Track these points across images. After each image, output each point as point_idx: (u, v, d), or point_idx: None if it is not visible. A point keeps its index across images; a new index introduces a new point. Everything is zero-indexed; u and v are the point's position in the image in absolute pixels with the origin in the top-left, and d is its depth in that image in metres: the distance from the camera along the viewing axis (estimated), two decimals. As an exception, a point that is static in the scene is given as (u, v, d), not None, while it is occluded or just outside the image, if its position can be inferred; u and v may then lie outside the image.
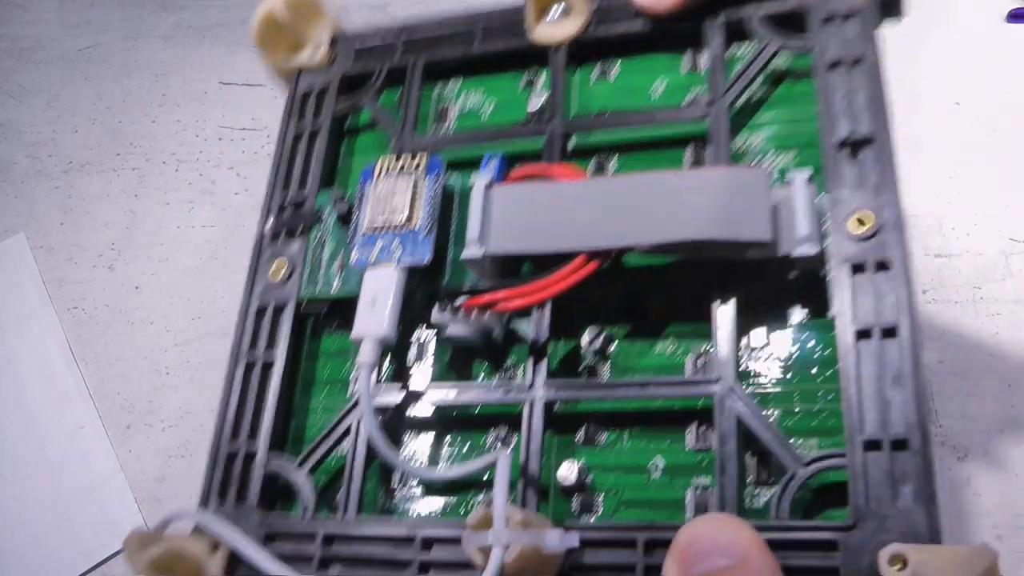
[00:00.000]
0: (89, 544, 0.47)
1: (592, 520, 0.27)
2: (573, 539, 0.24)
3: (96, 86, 0.67)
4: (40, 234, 0.59)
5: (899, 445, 0.24)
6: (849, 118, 0.27)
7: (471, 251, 0.27)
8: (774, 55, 0.28)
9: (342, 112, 0.33)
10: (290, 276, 0.32)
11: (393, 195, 0.29)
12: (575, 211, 0.27)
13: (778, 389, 0.26)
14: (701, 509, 0.26)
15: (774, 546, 0.22)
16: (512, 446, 0.28)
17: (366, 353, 0.27)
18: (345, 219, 0.31)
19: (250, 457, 0.31)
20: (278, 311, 0.32)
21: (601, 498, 0.27)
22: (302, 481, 0.29)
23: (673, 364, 0.28)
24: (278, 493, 0.30)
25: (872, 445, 0.24)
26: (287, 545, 0.28)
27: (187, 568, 0.27)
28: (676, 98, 0.30)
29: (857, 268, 0.26)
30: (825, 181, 0.27)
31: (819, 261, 0.26)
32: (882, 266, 0.25)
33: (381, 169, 0.30)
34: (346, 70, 0.34)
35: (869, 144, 0.27)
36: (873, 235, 0.26)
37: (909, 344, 0.24)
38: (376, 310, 0.28)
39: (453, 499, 0.29)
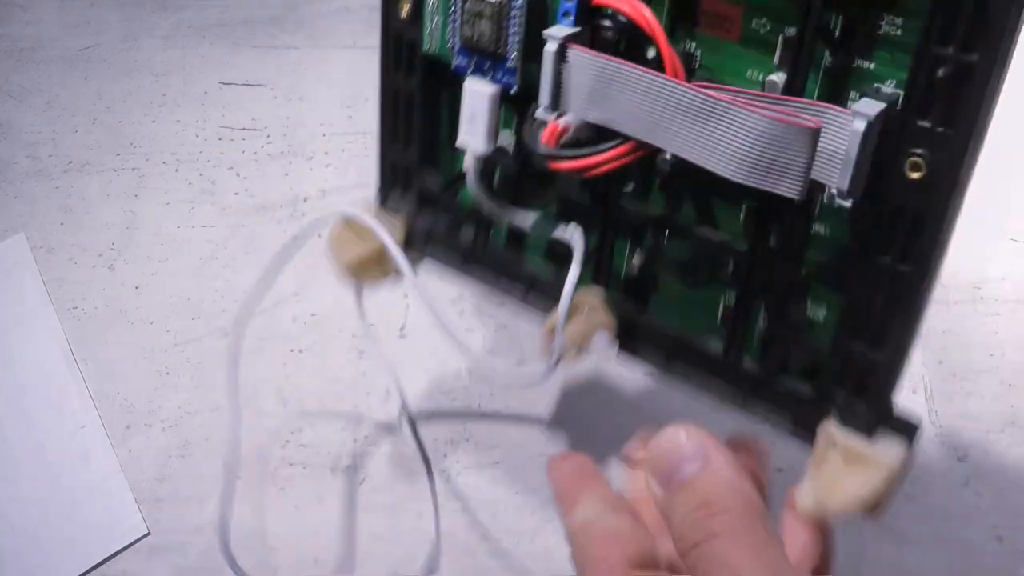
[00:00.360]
0: (89, 544, 0.47)
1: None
2: (614, 348, 0.32)
3: (96, 86, 0.67)
4: (40, 234, 0.59)
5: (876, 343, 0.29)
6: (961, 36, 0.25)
7: (545, 116, 0.30)
8: None
9: None
10: (416, 17, 0.34)
11: (481, 15, 0.31)
12: (641, 101, 0.28)
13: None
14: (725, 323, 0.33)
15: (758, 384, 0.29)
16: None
17: (469, 162, 0.33)
18: None
19: (408, 167, 0.38)
20: (412, 45, 0.35)
21: (653, 292, 0.35)
22: (446, 202, 0.38)
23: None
24: (431, 203, 0.38)
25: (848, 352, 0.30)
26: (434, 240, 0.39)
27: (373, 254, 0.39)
28: None
29: (898, 213, 0.28)
30: (902, 99, 0.26)
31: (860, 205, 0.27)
32: (918, 218, 0.29)
33: None
34: None
35: (969, 76, 0.26)
36: (924, 186, 0.27)
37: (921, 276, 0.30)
38: (475, 126, 0.32)
39: (558, 262, 0.36)
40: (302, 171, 0.60)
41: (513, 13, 0.30)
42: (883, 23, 0.26)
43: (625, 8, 0.29)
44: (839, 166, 0.26)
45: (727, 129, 0.26)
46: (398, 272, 0.38)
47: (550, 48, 0.29)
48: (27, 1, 0.72)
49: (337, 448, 0.49)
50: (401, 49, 0.36)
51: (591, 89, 0.29)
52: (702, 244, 0.32)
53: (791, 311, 0.31)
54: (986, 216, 0.57)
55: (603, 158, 0.29)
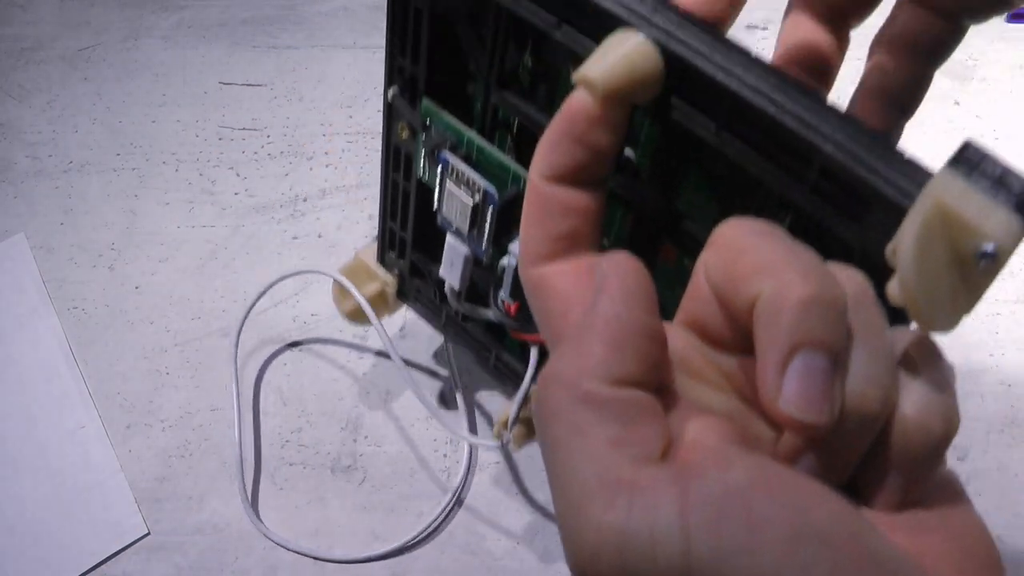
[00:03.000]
0: (89, 544, 0.47)
1: None
2: None
3: (96, 86, 0.67)
4: (40, 234, 0.59)
5: None
6: None
7: (505, 298, 0.36)
8: None
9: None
10: (413, 135, 0.38)
11: (460, 206, 0.35)
12: None
13: None
14: None
15: None
16: None
17: (449, 296, 0.39)
18: (432, 152, 0.36)
19: (403, 240, 0.42)
20: (409, 158, 0.39)
21: None
22: (431, 279, 0.42)
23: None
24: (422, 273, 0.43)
25: None
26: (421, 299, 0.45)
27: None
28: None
29: None
30: None
31: None
32: None
33: (450, 171, 0.35)
34: None
35: None
36: None
37: None
38: (453, 270, 0.38)
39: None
40: (302, 171, 0.60)
41: (487, 214, 0.34)
42: None
43: None
44: None
45: None
46: (387, 310, 0.45)
47: (511, 263, 0.34)
48: (27, 1, 0.72)
49: (337, 448, 0.49)
50: (400, 157, 0.39)
51: None
52: None
53: None
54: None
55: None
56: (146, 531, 0.47)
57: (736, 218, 0.22)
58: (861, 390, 0.19)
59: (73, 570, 0.46)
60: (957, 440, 0.53)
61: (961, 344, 0.52)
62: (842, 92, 0.29)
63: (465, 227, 0.36)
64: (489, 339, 0.43)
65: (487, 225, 0.35)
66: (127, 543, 0.47)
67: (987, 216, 0.19)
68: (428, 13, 0.33)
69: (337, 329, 0.53)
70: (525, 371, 0.39)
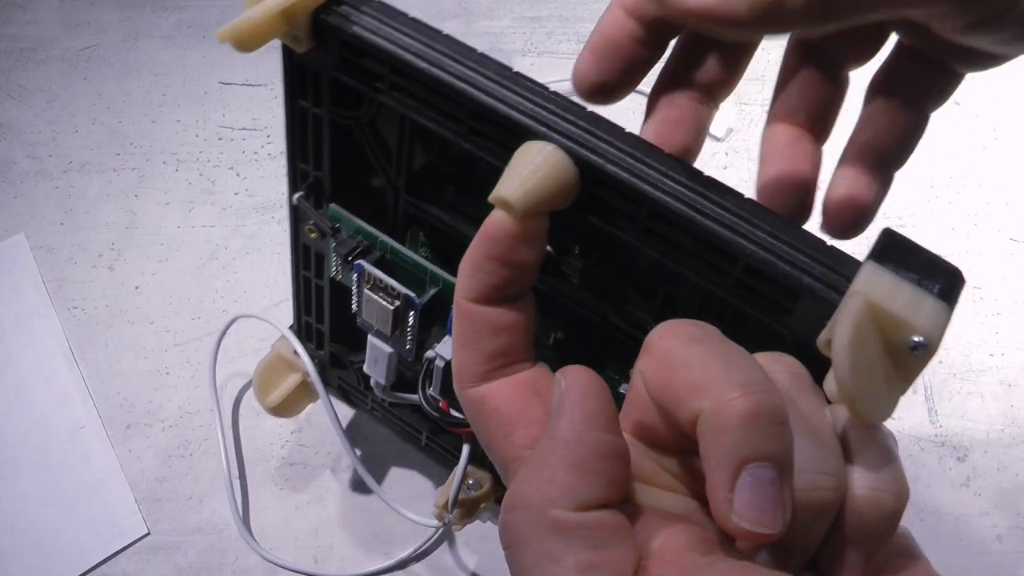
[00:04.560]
0: (89, 544, 0.47)
1: None
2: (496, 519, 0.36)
3: (96, 86, 0.67)
4: (40, 234, 0.59)
5: None
6: None
7: (435, 395, 0.35)
8: None
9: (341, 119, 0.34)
10: (323, 236, 0.36)
11: (381, 311, 0.34)
12: None
13: None
14: None
15: None
16: None
17: (375, 388, 0.39)
18: (346, 258, 0.35)
19: (320, 333, 0.41)
20: (320, 256, 0.38)
21: None
22: (353, 369, 0.42)
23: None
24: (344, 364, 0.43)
25: None
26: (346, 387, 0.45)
27: (298, 389, 0.45)
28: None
29: None
30: None
31: None
32: None
33: (367, 279, 0.34)
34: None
35: None
36: None
37: None
38: (378, 368, 0.37)
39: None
40: (302, 171, 0.60)
41: (409, 318, 0.34)
42: None
43: None
44: None
45: None
46: (312, 397, 0.45)
47: (439, 364, 0.33)
48: (27, 1, 0.72)
49: (337, 448, 0.49)
50: (310, 255, 0.38)
51: None
52: None
53: None
54: (986, 216, 0.57)
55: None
56: (146, 531, 0.47)
57: (669, 324, 0.22)
58: (812, 483, 0.19)
59: (73, 570, 0.46)
60: (957, 440, 0.53)
61: (961, 344, 0.52)
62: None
63: (388, 330, 0.35)
64: (417, 421, 0.42)
65: (410, 328, 0.34)
66: (127, 543, 0.47)
67: (916, 308, 0.20)
68: (328, 120, 0.32)
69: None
70: (459, 449, 0.39)
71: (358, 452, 0.42)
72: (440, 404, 0.35)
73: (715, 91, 0.27)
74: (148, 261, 0.57)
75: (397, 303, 0.34)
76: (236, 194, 0.60)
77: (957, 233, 0.56)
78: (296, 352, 0.42)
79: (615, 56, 0.26)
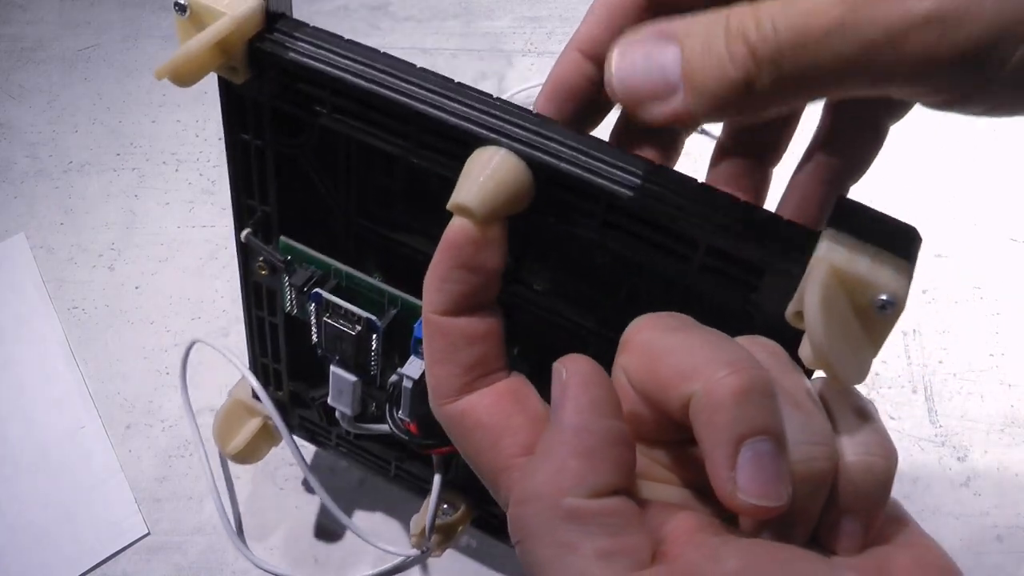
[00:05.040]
0: (89, 544, 0.47)
1: None
2: (472, 543, 0.41)
3: (96, 86, 0.67)
4: (40, 234, 0.59)
5: None
6: None
7: (404, 417, 0.34)
8: None
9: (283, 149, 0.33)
10: (273, 271, 0.35)
11: (342, 337, 0.34)
12: None
13: None
14: None
15: None
16: None
17: (340, 418, 0.38)
18: (302, 289, 0.34)
19: (278, 372, 0.41)
20: (272, 294, 0.37)
21: None
22: (315, 406, 0.41)
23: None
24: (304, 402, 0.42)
25: None
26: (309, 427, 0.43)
27: (259, 435, 0.45)
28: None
29: None
30: None
31: None
32: None
33: (325, 307, 0.34)
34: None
35: None
36: None
37: None
38: (342, 399, 0.37)
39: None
40: (302, 171, 0.60)
41: (371, 342, 0.34)
42: None
43: None
44: None
45: None
46: (275, 441, 0.44)
47: (407, 385, 0.33)
48: (27, 1, 0.72)
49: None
50: (261, 294, 0.38)
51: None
52: None
53: None
54: (986, 216, 0.57)
55: (451, 449, 0.33)
56: (146, 531, 0.47)
57: (645, 318, 0.22)
58: (807, 454, 0.20)
59: (73, 570, 0.46)
60: (957, 440, 0.53)
61: (961, 344, 0.52)
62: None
63: (351, 358, 0.35)
64: (385, 451, 0.42)
65: (373, 352, 0.34)
66: (127, 543, 0.47)
67: (879, 269, 0.21)
68: (272, 152, 0.32)
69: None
70: (430, 476, 0.38)
71: (327, 488, 0.42)
72: (409, 427, 0.35)
73: (767, 157, 0.27)
74: (148, 261, 0.57)
75: (359, 328, 0.34)
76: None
77: (957, 233, 0.56)
78: (255, 395, 0.41)
79: (570, 98, 0.27)
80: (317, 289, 0.33)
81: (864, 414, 0.21)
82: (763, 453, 0.19)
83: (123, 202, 0.60)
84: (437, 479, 0.38)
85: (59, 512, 0.48)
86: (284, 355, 0.39)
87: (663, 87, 0.20)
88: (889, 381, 0.51)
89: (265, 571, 0.45)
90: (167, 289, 0.56)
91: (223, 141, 0.33)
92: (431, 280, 0.23)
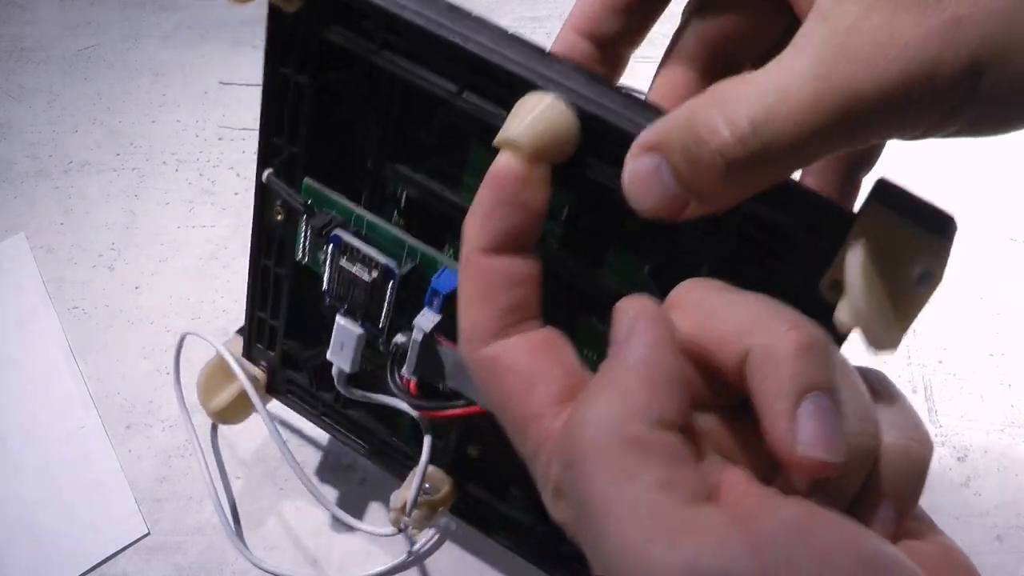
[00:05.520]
0: (89, 544, 0.47)
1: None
2: (452, 525, 0.41)
3: (96, 86, 0.67)
4: (40, 234, 0.59)
5: None
6: None
7: (407, 375, 0.34)
8: None
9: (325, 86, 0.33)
10: (288, 217, 0.35)
11: (355, 283, 0.34)
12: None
13: None
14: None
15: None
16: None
17: (337, 377, 0.37)
18: (321, 232, 0.34)
19: (273, 330, 0.40)
20: (283, 242, 0.37)
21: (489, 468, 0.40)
22: (310, 367, 0.41)
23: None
24: (295, 363, 0.41)
25: None
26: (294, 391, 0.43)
27: (241, 397, 0.43)
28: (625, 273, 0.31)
29: None
30: None
31: None
32: None
33: (343, 249, 0.33)
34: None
35: None
36: None
37: None
38: (344, 353, 0.36)
39: (408, 431, 0.41)
40: (302, 171, 0.60)
41: (386, 288, 0.33)
42: None
43: None
44: None
45: None
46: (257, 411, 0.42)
47: (417, 337, 0.32)
48: (27, 1, 0.72)
49: (337, 448, 0.49)
50: (273, 242, 0.37)
51: (450, 368, 0.33)
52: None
53: None
54: (986, 216, 0.57)
55: (455, 413, 0.34)
56: (146, 531, 0.47)
57: (694, 280, 0.22)
58: (857, 427, 0.20)
59: (73, 570, 0.46)
60: (957, 440, 0.53)
61: (961, 344, 0.52)
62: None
63: (361, 306, 0.34)
64: (372, 422, 0.41)
65: (386, 302, 0.34)
66: (127, 543, 0.47)
67: (919, 242, 0.22)
68: (311, 90, 0.31)
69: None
70: (415, 452, 0.38)
71: (305, 465, 0.41)
72: (410, 386, 0.34)
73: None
74: (148, 261, 0.57)
75: (375, 274, 0.33)
76: (236, 194, 0.60)
77: (957, 233, 0.56)
78: (245, 354, 0.41)
79: None
80: (337, 231, 0.33)
81: (901, 400, 0.21)
82: (825, 407, 0.19)
83: (123, 202, 0.60)
84: (427, 443, 0.37)
85: (59, 512, 0.48)
86: (284, 309, 0.39)
87: (672, 199, 0.21)
88: (889, 381, 0.51)
89: (265, 571, 0.45)
90: (167, 289, 0.56)
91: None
92: (473, 217, 0.23)
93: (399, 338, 0.34)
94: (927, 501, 0.47)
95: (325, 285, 0.35)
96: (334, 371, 0.37)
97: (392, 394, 0.36)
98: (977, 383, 0.51)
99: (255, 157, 0.34)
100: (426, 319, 0.32)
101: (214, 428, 0.50)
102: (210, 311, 0.55)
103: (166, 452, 0.50)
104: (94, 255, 0.58)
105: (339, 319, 0.35)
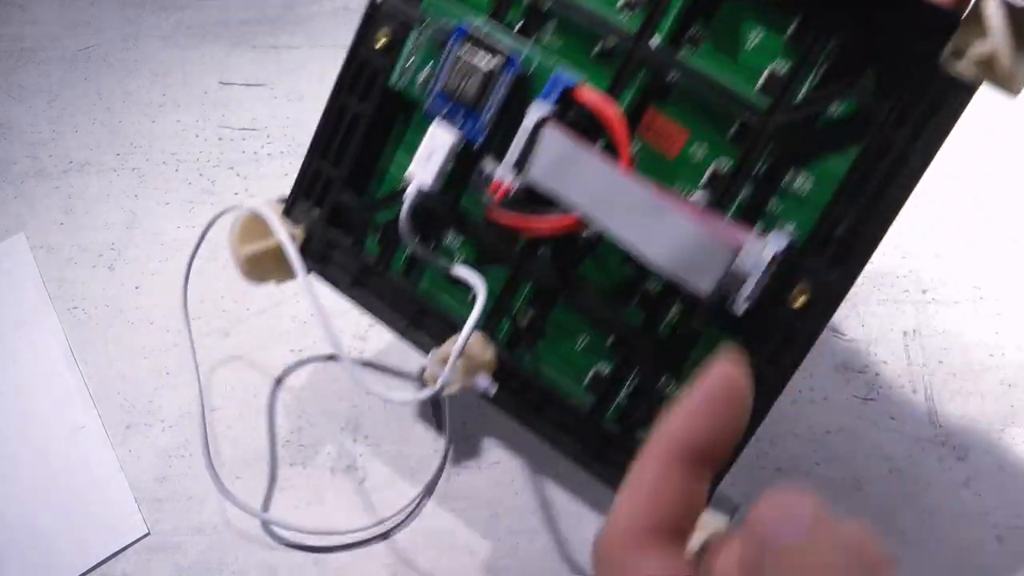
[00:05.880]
0: (89, 544, 0.47)
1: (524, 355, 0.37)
2: (492, 389, 0.35)
3: (96, 86, 0.67)
4: (40, 234, 0.59)
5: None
6: (860, 202, 0.31)
7: (503, 174, 0.34)
8: (848, 97, 0.31)
9: None
10: (390, 49, 0.37)
11: (471, 73, 0.34)
12: (593, 186, 0.31)
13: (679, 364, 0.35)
14: (593, 387, 0.36)
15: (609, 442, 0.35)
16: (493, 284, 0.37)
17: (410, 195, 0.36)
18: (437, 43, 0.36)
19: (330, 180, 0.39)
20: (376, 74, 0.38)
21: (537, 342, 0.37)
22: (361, 220, 0.39)
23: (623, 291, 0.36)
24: (342, 220, 0.40)
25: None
26: (335, 257, 0.40)
27: (272, 252, 0.40)
28: (762, 61, 0.32)
29: (769, 331, 0.32)
30: (804, 239, 0.31)
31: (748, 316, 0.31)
32: (788, 340, 0.32)
33: (471, 37, 0.34)
34: None
35: (852, 240, 0.31)
36: (802, 314, 0.31)
37: (764, 398, 0.31)
38: (430, 164, 0.35)
39: (454, 293, 0.39)
40: (302, 171, 0.60)
41: (501, 81, 0.34)
42: (800, 178, 0.31)
43: (608, 113, 0.33)
44: (744, 281, 0.30)
45: (664, 227, 0.30)
46: (289, 271, 0.40)
47: (528, 123, 0.33)
48: (27, 1, 0.72)
49: (337, 448, 0.49)
50: (362, 74, 0.38)
51: (554, 164, 0.32)
52: (594, 315, 0.36)
53: (657, 388, 0.35)
54: (986, 216, 0.57)
55: (545, 224, 0.34)
56: (146, 531, 0.47)
57: (775, 506, 0.19)
58: None
59: (73, 570, 0.46)
60: (957, 440, 0.53)
61: (961, 344, 0.52)
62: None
63: (470, 100, 0.34)
64: (411, 285, 0.39)
65: (497, 96, 0.34)
66: (127, 543, 0.47)
67: None
68: None
69: (337, 329, 0.53)
70: (457, 320, 0.36)
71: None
72: (499, 190, 0.34)
73: None
74: (148, 261, 0.57)
75: (495, 63, 0.34)
76: (236, 194, 0.60)
77: (957, 233, 0.56)
78: (285, 211, 0.39)
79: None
80: (463, 24, 0.34)
81: None
82: None
83: (123, 202, 0.60)
84: (482, 296, 0.36)
85: (59, 512, 0.48)
86: (352, 152, 0.39)
87: None
88: (889, 381, 0.51)
89: (265, 571, 0.45)
90: (167, 289, 0.56)
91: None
92: (684, 410, 0.21)
93: (489, 167, 0.35)
94: (927, 501, 0.47)
95: (432, 85, 0.35)
96: (408, 193, 0.36)
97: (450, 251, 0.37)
98: (977, 383, 0.51)
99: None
100: (540, 107, 0.33)
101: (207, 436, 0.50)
102: (210, 311, 0.55)
103: (166, 452, 0.50)
104: (94, 255, 0.58)
105: (434, 127, 0.36)
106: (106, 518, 0.47)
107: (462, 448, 0.49)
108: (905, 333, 0.53)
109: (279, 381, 0.52)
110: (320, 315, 0.39)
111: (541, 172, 0.33)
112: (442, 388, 0.36)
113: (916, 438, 0.49)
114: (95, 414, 0.51)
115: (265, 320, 0.54)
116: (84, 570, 0.46)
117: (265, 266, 0.41)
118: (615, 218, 0.31)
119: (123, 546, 0.47)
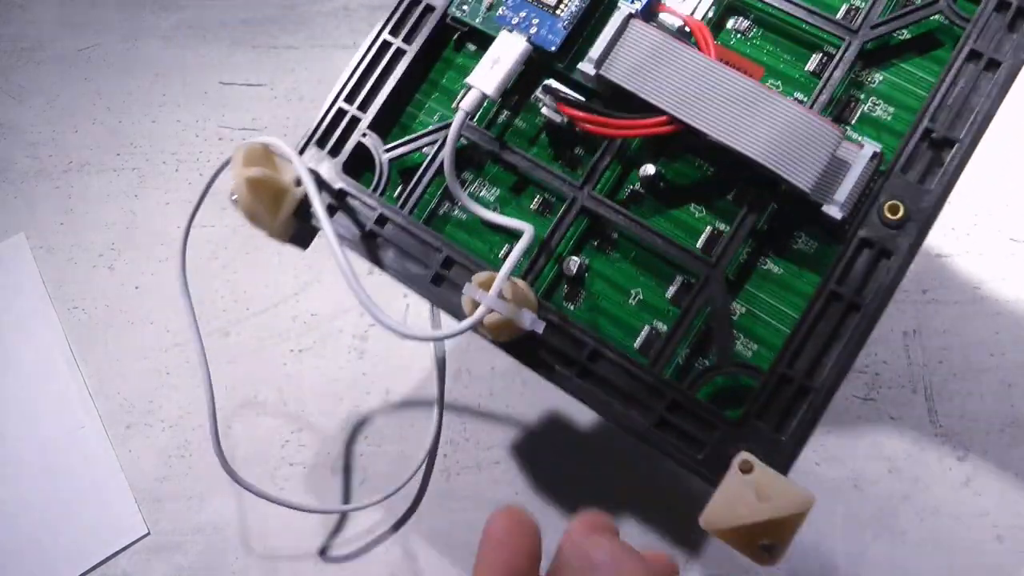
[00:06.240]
0: (89, 544, 0.47)
1: (570, 308, 0.34)
2: (540, 326, 0.30)
3: (96, 86, 0.67)
4: (40, 234, 0.59)
5: (804, 391, 0.29)
6: (950, 114, 0.31)
7: (586, 67, 0.32)
8: (933, 13, 0.31)
9: None
10: None
11: None
12: (685, 79, 0.30)
13: (753, 291, 0.32)
14: (646, 347, 0.32)
15: (675, 405, 0.30)
16: (543, 223, 0.34)
17: (469, 101, 0.33)
18: None
19: (354, 122, 0.37)
20: (427, 11, 0.37)
21: (583, 296, 0.34)
22: (384, 161, 0.36)
23: (689, 228, 0.33)
24: (363, 165, 0.37)
25: (785, 379, 0.29)
26: (351, 205, 0.36)
27: (274, 188, 0.36)
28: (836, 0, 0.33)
29: (866, 244, 0.30)
30: (895, 153, 0.30)
31: (842, 225, 0.30)
32: (885, 254, 0.30)
33: None
34: None
35: (950, 147, 0.30)
36: (898, 226, 0.29)
37: (866, 321, 0.29)
38: (494, 71, 0.33)
39: (485, 242, 0.35)
40: (302, 171, 0.60)
41: None
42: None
43: (691, 25, 0.33)
44: (842, 180, 0.29)
45: (762, 115, 0.29)
46: (282, 212, 0.36)
47: (618, 17, 0.32)
48: (27, 1, 0.72)
49: (337, 448, 0.49)
50: (413, 10, 0.37)
51: (640, 60, 0.31)
52: (659, 251, 0.33)
53: (725, 336, 0.31)
54: (986, 216, 0.57)
55: (635, 123, 0.32)
56: (146, 531, 0.47)
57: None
58: None
59: (73, 570, 0.46)
60: (957, 440, 0.53)
61: (961, 344, 0.52)
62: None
63: (551, 3, 0.33)
64: (435, 235, 0.34)
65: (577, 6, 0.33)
66: (127, 543, 0.47)
67: None
68: None
69: (337, 329, 0.53)
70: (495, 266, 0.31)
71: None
72: (566, 111, 0.33)
73: None
74: (148, 261, 0.57)
75: None
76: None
77: (957, 233, 0.56)
78: (283, 150, 0.35)
79: None
80: None
81: None
82: None
83: (123, 202, 0.60)
84: (528, 235, 0.31)
85: (59, 512, 0.48)
86: (387, 90, 0.36)
87: None
88: (889, 381, 0.51)
89: (266, 571, 0.45)
90: (167, 289, 0.56)
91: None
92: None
93: (581, 65, 0.33)
94: (927, 501, 0.47)
95: None
96: (466, 104, 0.33)
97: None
98: (977, 383, 0.51)
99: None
100: (629, 6, 0.33)
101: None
102: (210, 311, 0.55)
103: (166, 452, 0.50)
104: (94, 255, 0.58)
105: (502, 35, 0.34)
106: (106, 518, 0.47)
107: (462, 448, 0.49)
108: (905, 333, 0.53)
109: (279, 381, 0.52)
110: (331, 239, 0.32)
111: (623, 70, 0.31)
112: (483, 316, 0.29)
113: (916, 438, 0.49)
114: (95, 414, 0.51)
115: (265, 320, 0.54)
116: (84, 570, 0.46)
117: (262, 198, 0.36)
118: (709, 113, 0.30)
119: (123, 546, 0.47)
